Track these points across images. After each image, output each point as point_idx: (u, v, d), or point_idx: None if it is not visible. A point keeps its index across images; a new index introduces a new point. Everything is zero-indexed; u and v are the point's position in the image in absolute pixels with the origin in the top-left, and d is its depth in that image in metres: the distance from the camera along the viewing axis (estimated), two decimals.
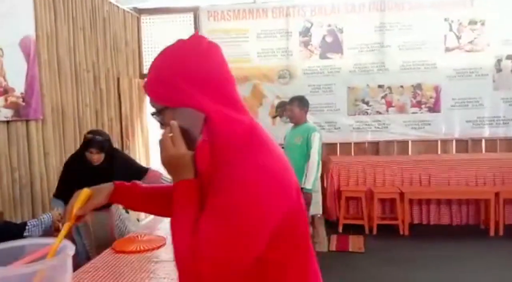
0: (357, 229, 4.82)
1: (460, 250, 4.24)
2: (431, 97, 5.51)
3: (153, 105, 0.96)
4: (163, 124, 0.95)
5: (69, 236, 1.05)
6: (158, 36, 5.86)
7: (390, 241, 4.56)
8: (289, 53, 5.68)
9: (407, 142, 5.57)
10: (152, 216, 2.83)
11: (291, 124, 4.09)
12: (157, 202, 1.15)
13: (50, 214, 2.24)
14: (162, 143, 0.92)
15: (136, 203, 1.18)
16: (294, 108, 3.73)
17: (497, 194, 4.62)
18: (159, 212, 1.22)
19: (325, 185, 5.19)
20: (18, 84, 3.29)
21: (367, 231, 4.81)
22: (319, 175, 3.72)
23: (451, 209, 5.03)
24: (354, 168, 5.16)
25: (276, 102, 5.57)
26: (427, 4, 5.43)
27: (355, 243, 4.45)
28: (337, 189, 5.12)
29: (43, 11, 3.65)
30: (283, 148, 4.04)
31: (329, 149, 5.64)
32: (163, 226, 2.51)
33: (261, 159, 0.88)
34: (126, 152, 4.67)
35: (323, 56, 5.66)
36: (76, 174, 2.60)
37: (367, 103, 5.62)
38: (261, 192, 0.84)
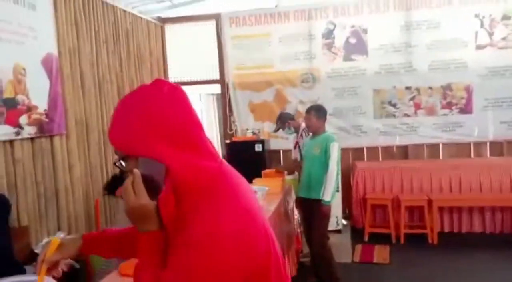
0: (383, 238, 4.67)
1: (493, 260, 4.03)
2: (462, 98, 5.27)
3: (115, 152, 0.95)
4: (125, 173, 0.94)
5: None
6: (182, 44, 5.94)
7: (418, 251, 4.37)
8: (312, 56, 5.59)
9: (438, 145, 5.36)
10: None
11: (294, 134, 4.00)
12: (128, 245, 1.13)
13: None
14: (124, 191, 0.90)
15: (108, 250, 1.16)
16: (311, 118, 3.65)
17: None
18: (132, 255, 1.15)
19: (352, 192, 5.09)
20: (41, 101, 3.40)
21: (393, 240, 4.65)
22: (337, 185, 3.61)
23: (484, 217, 4.79)
24: (381, 173, 5.00)
25: (300, 107, 5.49)
26: (456, 0, 5.19)
27: (381, 253, 4.31)
28: (363, 196, 4.99)
29: (65, 27, 3.75)
30: (301, 158, 3.99)
31: (355, 154, 5.53)
32: None
33: (222, 216, 0.85)
34: None
35: (347, 58, 5.53)
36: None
37: (394, 105, 5.45)
38: (217, 257, 0.82)
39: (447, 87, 5.30)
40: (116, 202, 3.14)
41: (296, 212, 4.09)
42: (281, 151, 5.67)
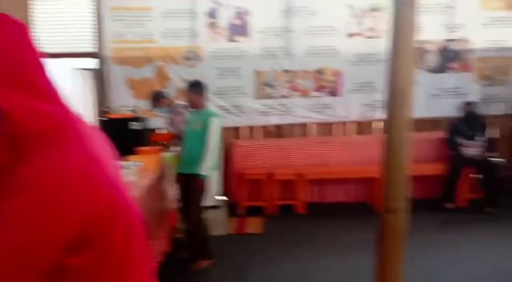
0: (258, 211, 4.97)
1: (352, 224, 4.54)
2: (332, 82, 5.75)
3: None
4: None
5: None
6: (53, 13, 5.44)
7: (288, 220, 4.76)
8: (195, 34, 5.58)
9: (310, 124, 5.79)
10: None
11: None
12: None
13: None
14: None
15: None
16: (191, 94, 3.67)
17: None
18: None
19: (231, 169, 5.27)
20: None
21: (268, 213, 4.97)
22: (216, 160, 3.70)
23: (347, 188, 5.39)
24: (258, 151, 5.29)
25: (181, 85, 5.45)
26: None
27: (254, 224, 4.59)
28: (241, 172, 5.21)
29: None
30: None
31: (235, 132, 5.71)
32: None
33: (61, 160, 0.80)
34: None
35: (230, 38, 5.63)
36: None
37: (272, 87, 5.73)
38: (46, 198, 0.77)
39: (320, 72, 5.74)
40: None
41: (175, 188, 4.10)
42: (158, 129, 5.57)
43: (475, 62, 5.85)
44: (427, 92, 5.81)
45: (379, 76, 5.67)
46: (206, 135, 3.49)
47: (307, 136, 5.75)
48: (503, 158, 5.55)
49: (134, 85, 5.58)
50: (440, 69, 5.86)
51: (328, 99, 5.74)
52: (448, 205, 5.07)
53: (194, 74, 5.50)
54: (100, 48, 5.49)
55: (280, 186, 5.12)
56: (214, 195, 5.05)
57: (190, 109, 3.84)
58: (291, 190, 5.17)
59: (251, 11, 5.59)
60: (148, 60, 5.52)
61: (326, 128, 5.79)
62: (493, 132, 5.49)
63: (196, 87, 3.69)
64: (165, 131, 4.72)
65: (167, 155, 4.15)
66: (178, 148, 3.97)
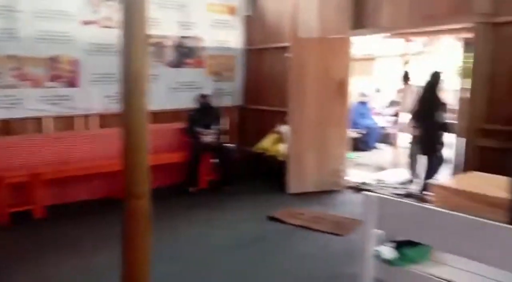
0: None
1: (100, 222, 4.34)
2: (69, 72, 5.31)
3: None
4: None
5: None
6: None
7: (25, 229, 4.16)
8: None
9: (45, 118, 5.17)
10: None
11: None
12: None
13: None
14: None
15: None
16: None
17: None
18: None
19: None
20: None
21: None
22: None
23: (91, 184, 5.11)
24: None
25: None
26: None
27: None
28: None
29: None
30: None
31: None
32: None
33: None
34: None
35: None
36: None
37: None
38: None
39: (55, 60, 5.20)
40: None
41: None
42: None
43: (207, 59, 6.53)
44: (167, 85, 6.12)
45: (118, 67, 5.60)
46: None
47: (43, 132, 5.14)
48: (233, 144, 6.43)
49: None
50: (178, 64, 6.26)
51: (65, 91, 5.27)
52: (192, 189, 5.51)
53: None
54: None
55: (11, 190, 4.40)
56: None
57: None
58: (26, 194, 4.52)
59: None
60: None
61: (66, 122, 5.31)
62: (224, 121, 6.27)
63: None
64: None
65: None
66: None
